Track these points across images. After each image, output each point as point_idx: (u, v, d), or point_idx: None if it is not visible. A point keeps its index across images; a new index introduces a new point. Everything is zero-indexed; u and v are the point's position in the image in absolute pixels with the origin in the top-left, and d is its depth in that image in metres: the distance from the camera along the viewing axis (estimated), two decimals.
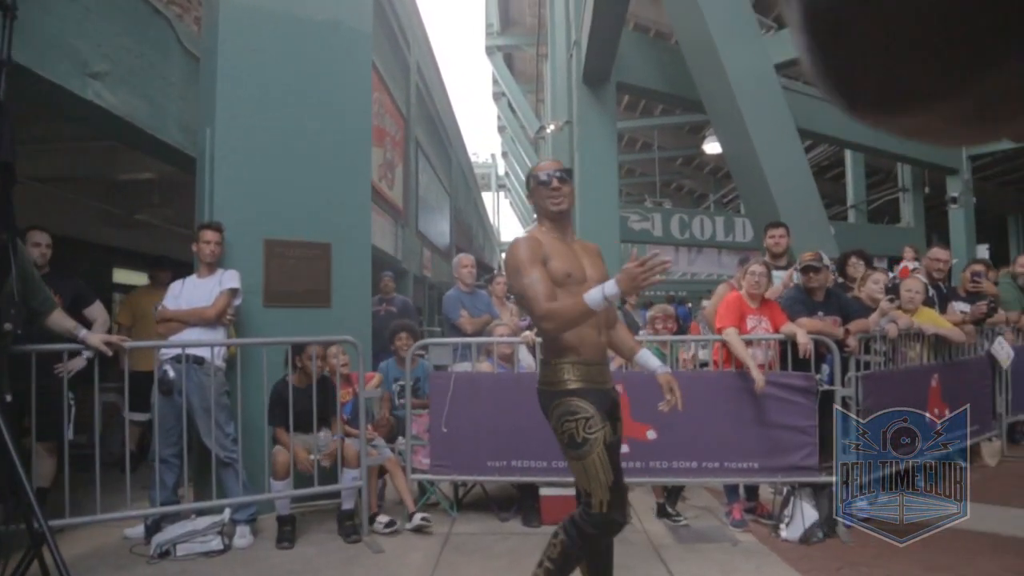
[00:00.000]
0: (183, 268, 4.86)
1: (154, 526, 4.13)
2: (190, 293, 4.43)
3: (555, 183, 2.81)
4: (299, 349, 4.40)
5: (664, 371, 2.96)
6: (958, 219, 14.02)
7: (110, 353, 3.84)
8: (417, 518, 4.42)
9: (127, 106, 4.66)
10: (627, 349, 3.08)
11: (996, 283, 6.57)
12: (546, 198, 2.81)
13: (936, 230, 16.76)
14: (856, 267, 5.42)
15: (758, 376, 4.21)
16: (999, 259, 9.49)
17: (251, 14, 4.95)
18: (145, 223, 8.68)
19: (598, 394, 2.68)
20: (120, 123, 4.67)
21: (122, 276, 10.69)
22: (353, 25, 5.39)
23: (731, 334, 4.39)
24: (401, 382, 4.84)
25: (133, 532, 4.30)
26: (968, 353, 5.70)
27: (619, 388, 4.35)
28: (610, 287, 2.44)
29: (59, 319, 3.73)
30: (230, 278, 4.48)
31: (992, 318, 5.83)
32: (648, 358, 2.97)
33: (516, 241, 2.79)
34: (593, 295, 2.46)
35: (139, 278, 9.33)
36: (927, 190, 15.17)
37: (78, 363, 4.21)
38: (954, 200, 14.01)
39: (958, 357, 5.45)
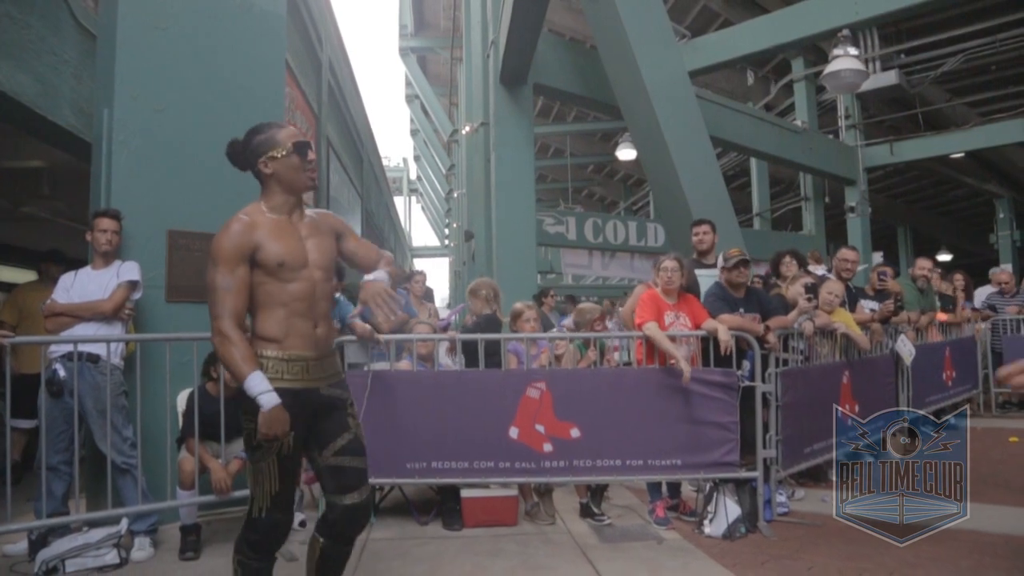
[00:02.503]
0: (77, 265, 4.47)
1: (40, 541, 3.76)
2: (83, 286, 4.07)
3: (311, 154, 2.55)
4: (213, 358, 4.11)
5: (373, 278, 2.68)
6: (855, 227, 14.66)
7: None
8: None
9: (11, 82, 4.26)
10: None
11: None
12: (300, 171, 2.54)
13: (835, 238, 17.52)
14: (789, 266, 5.58)
15: (685, 368, 4.20)
16: (890, 265, 9.94)
17: None
18: (33, 217, 8.06)
19: (295, 395, 2.43)
20: (4, 100, 4.27)
21: (6, 274, 9.93)
22: (266, 7, 5.14)
23: (652, 328, 4.36)
24: None
25: (14, 548, 3.91)
26: (874, 351, 5.89)
27: (542, 386, 4.34)
28: (257, 386, 2.30)
29: None
30: (128, 270, 4.14)
31: (897, 316, 6.06)
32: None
33: (226, 225, 2.47)
34: (255, 384, 2.30)
35: (27, 277, 8.66)
36: (827, 200, 15.82)
37: None
38: (852, 209, 14.65)
39: (866, 355, 5.62)
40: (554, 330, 5.36)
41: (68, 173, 6.32)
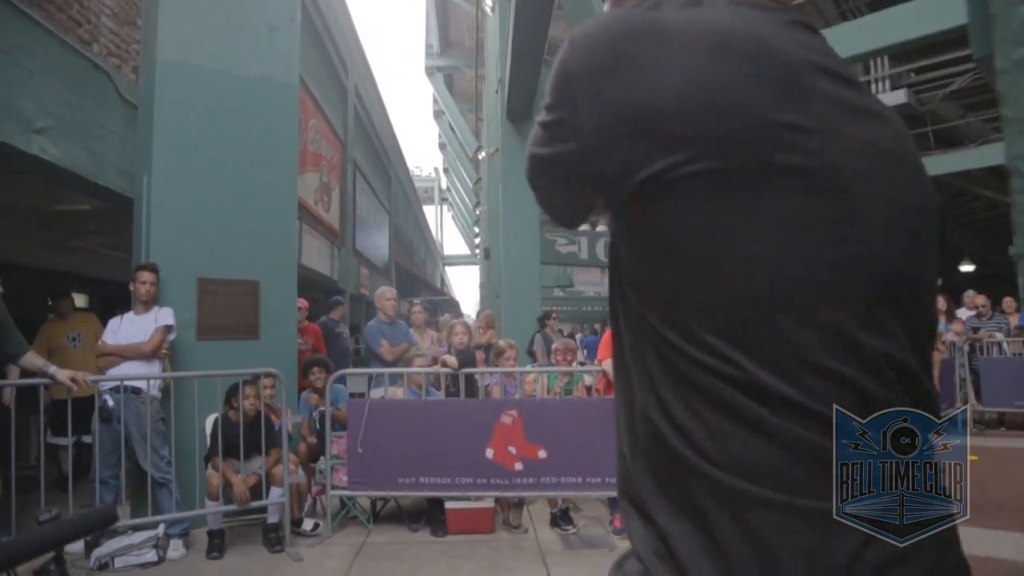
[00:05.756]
0: (111, 295, 5.24)
1: (93, 541, 4.54)
2: (128, 329, 4.88)
3: None
4: (234, 390, 4.88)
5: None
6: None
7: (76, 388, 4.33)
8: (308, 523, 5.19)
9: (69, 157, 5.08)
10: None
11: None
12: None
13: None
14: None
15: None
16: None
17: (186, 71, 5.44)
18: (82, 248, 8.97)
19: None
20: (62, 172, 5.09)
21: None
22: (282, 79, 5.91)
23: (608, 365, 5.03)
24: (321, 408, 5.34)
25: (73, 547, 4.69)
26: None
27: (513, 413, 5.04)
28: None
29: (31, 359, 4.24)
30: (165, 315, 4.94)
31: None
32: None
33: None
34: None
35: (80, 301, 9.59)
36: None
37: None
38: None
39: None
40: (528, 366, 6.05)
41: (111, 213, 7.14)
